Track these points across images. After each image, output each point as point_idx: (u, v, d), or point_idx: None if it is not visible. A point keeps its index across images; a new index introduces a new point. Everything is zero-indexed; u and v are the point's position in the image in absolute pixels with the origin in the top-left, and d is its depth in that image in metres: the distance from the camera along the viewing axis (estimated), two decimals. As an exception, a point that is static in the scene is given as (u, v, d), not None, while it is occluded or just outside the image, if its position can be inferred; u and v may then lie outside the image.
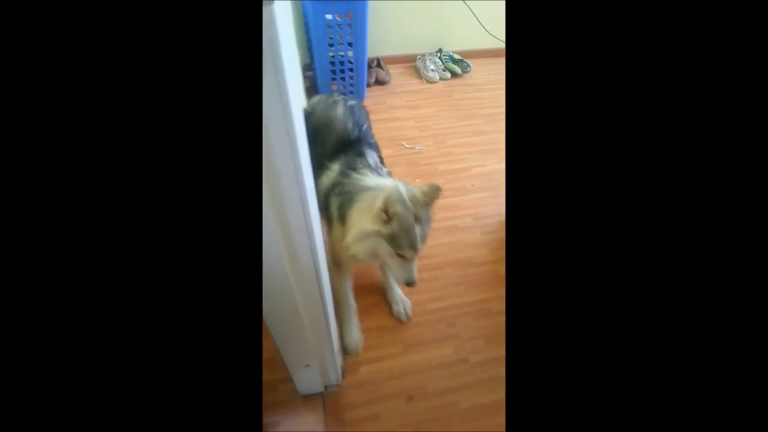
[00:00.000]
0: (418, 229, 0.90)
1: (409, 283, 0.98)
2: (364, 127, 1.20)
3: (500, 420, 1.05)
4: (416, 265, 0.99)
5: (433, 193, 0.93)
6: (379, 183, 1.00)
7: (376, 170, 1.07)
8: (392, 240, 0.89)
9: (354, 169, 1.05)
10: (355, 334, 1.18)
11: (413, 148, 1.89)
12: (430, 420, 1.05)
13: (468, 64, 2.42)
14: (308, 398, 1.08)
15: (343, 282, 1.17)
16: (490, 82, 2.38)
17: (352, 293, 1.20)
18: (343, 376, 1.12)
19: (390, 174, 1.13)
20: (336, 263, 1.12)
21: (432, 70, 2.35)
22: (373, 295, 1.31)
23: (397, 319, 1.25)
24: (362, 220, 0.93)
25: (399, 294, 1.27)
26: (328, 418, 1.06)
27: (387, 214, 0.87)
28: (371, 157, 1.12)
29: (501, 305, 1.29)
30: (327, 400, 1.09)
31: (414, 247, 0.91)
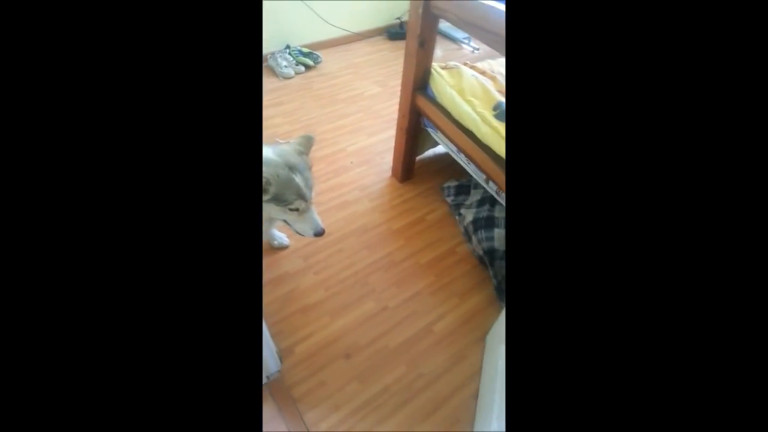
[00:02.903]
0: (298, 179, 0.94)
1: (317, 233, 1.02)
2: None
3: (425, 345, 1.23)
4: (316, 213, 1.05)
5: (306, 143, 1.01)
6: None
7: None
8: (278, 200, 0.94)
9: None
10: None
11: (288, 142, 1.95)
12: (369, 367, 1.18)
13: (318, 56, 2.54)
14: (254, 393, 1.12)
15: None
16: (342, 69, 2.54)
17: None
18: (282, 362, 1.18)
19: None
20: None
21: (285, 66, 2.41)
22: (285, 284, 1.38)
23: (280, 247, 1.46)
24: None
25: (277, 234, 1.45)
26: (278, 403, 1.11)
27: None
28: None
29: (402, 254, 1.48)
30: (272, 388, 1.13)
31: (303, 197, 0.96)
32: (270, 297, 1.33)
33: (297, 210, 0.99)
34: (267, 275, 1.39)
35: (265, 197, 0.95)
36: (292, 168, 0.96)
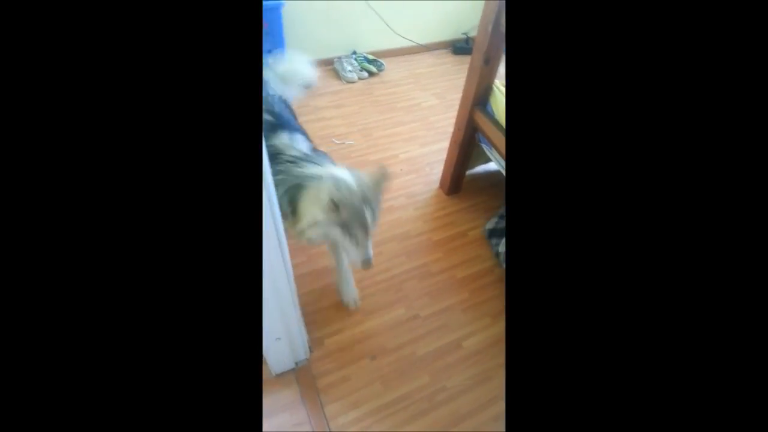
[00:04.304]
0: (368, 212, 0.95)
1: (365, 263, 1.00)
2: (276, 109, 1.22)
3: (451, 359, 1.23)
4: (371, 246, 1.02)
5: (381, 177, 1.01)
6: (323, 172, 1.02)
7: (311, 158, 1.10)
8: (343, 225, 0.95)
9: (293, 162, 1.08)
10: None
11: (343, 143, 2.03)
12: (393, 371, 1.19)
13: (382, 63, 2.61)
14: (281, 376, 1.17)
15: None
16: (404, 78, 2.60)
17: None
18: (311, 351, 1.23)
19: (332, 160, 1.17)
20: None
21: (350, 71, 2.51)
22: (324, 277, 1.43)
23: (346, 307, 1.34)
24: (312, 209, 0.98)
25: (350, 286, 1.33)
26: (302, 390, 1.16)
27: (334, 204, 0.93)
28: (300, 142, 1.15)
29: (439, 266, 1.48)
30: (299, 375, 1.18)
31: (365, 228, 0.96)
32: (307, 288, 1.39)
33: (356, 239, 0.99)
34: (306, 268, 1.45)
35: (333, 217, 0.94)
36: (366, 201, 0.95)
